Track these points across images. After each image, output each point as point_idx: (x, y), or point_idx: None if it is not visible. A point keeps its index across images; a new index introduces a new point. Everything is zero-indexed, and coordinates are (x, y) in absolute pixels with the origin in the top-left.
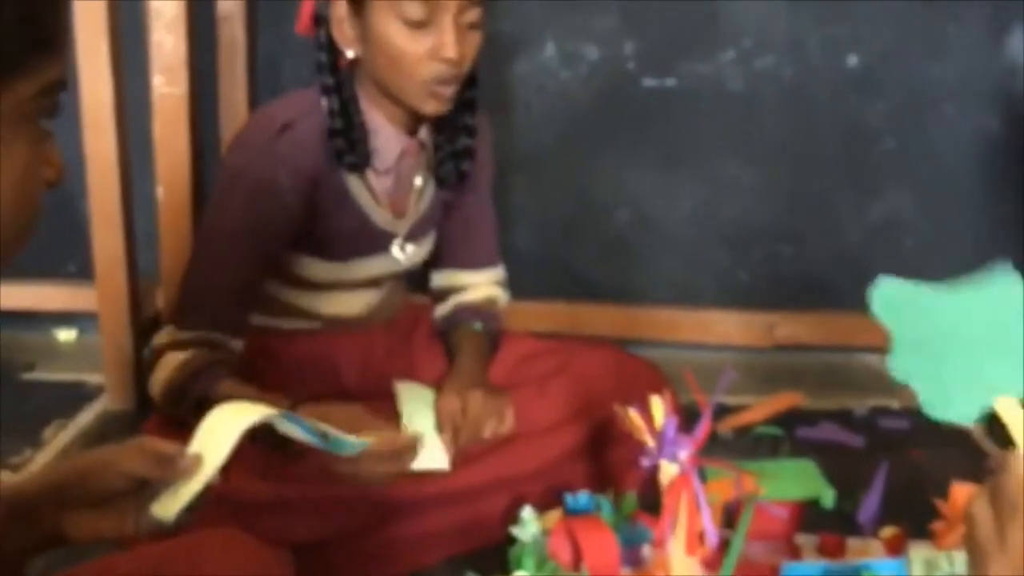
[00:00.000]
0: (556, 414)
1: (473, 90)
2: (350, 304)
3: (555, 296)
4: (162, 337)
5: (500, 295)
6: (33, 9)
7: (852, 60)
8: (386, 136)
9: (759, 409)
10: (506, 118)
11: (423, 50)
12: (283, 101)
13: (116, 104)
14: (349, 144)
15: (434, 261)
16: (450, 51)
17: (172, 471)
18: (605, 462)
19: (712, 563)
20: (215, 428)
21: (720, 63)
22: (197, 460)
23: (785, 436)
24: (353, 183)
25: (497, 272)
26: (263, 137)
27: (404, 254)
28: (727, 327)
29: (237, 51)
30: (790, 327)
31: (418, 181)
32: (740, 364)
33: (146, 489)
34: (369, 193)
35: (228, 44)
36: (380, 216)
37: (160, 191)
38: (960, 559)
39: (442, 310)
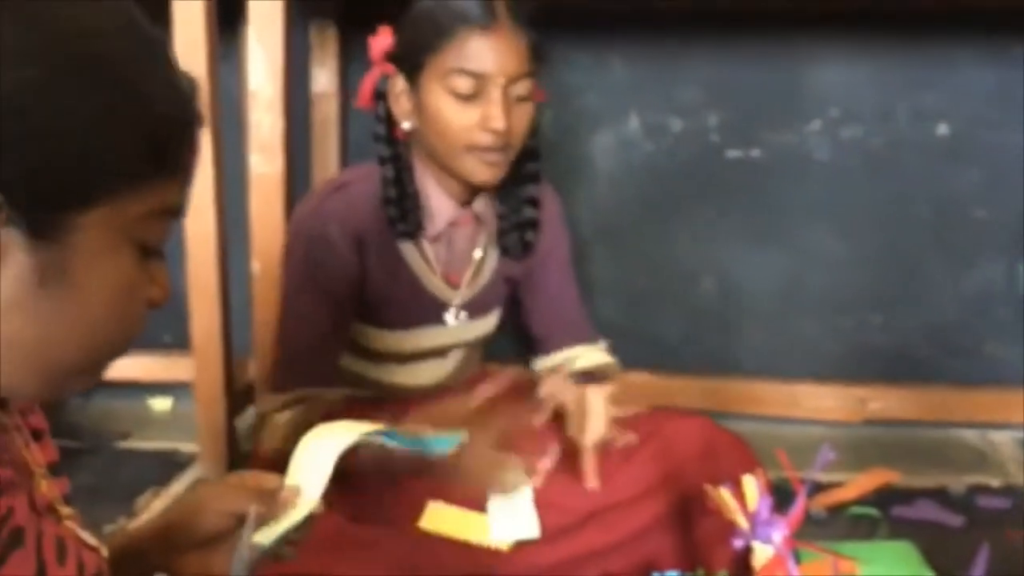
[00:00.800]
0: (642, 485)
1: (535, 163)
2: (417, 375)
3: (640, 367)
4: (263, 404)
5: (614, 362)
6: (159, 132)
7: (942, 129)
8: (438, 205)
9: (852, 487)
10: (591, 190)
11: (471, 122)
12: (349, 169)
13: (216, 183)
14: (401, 212)
15: (532, 349)
16: (497, 123)
17: (273, 505)
18: (694, 537)
19: None
20: (311, 454)
21: (806, 133)
22: (296, 492)
23: (883, 516)
24: (406, 249)
25: (601, 345)
26: (318, 196)
27: (458, 321)
28: (816, 400)
29: (330, 129)
30: (882, 401)
31: (477, 254)
32: (830, 439)
33: (249, 524)
34: (422, 259)
35: (321, 122)
36: (432, 283)
37: (255, 266)
38: None
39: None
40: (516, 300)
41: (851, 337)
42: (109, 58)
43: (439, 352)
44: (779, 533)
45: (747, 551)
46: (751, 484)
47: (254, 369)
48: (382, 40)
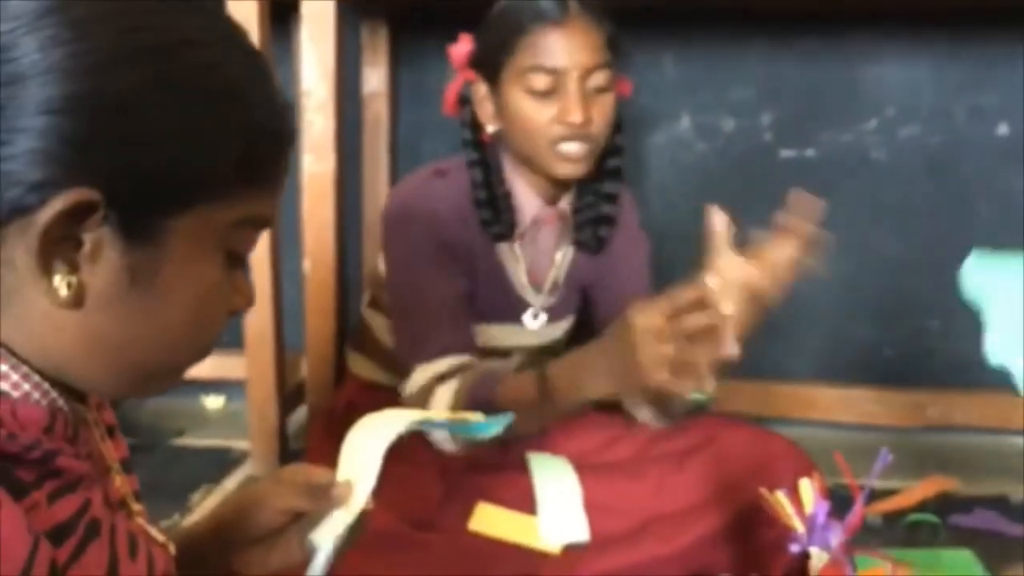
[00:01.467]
0: (697, 493)
1: (617, 159)
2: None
3: None
4: (416, 379)
5: None
6: (256, 144)
7: (1002, 129)
8: (526, 203)
9: (909, 494)
10: (642, 190)
11: (550, 117)
12: (441, 161)
13: None
14: (494, 214)
15: None
16: (574, 115)
17: (326, 501)
18: (749, 547)
19: None
20: (361, 446)
21: (862, 132)
22: (348, 487)
23: (942, 524)
24: (501, 251)
25: None
26: (419, 180)
27: (537, 323)
28: (871, 405)
29: (381, 129)
30: (940, 407)
31: (559, 256)
32: (886, 445)
33: (304, 519)
34: (512, 258)
35: (373, 122)
36: (520, 282)
37: (307, 265)
38: None
39: None
40: (589, 305)
41: (909, 342)
42: (211, 68)
43: (503, 353)
44: (836, 538)
45: (803, 557)
46: (807, 488)
47: (306, 368)
48: (461, 47)
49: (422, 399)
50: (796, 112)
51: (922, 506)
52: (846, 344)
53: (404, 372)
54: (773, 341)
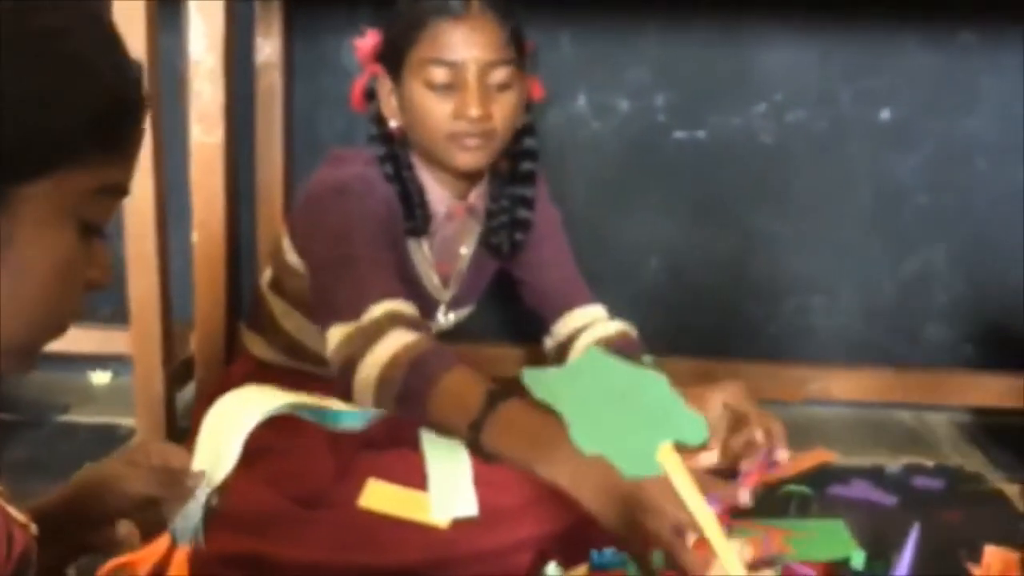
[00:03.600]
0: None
1: (530, 162)
2: None
3: None
4: (373, 315)
5: (623, 324)
6: (104, 109)
7: (885, 114)
8: (434, 197)
9: (790, 465)
10: (538, 168)
11: (448, 111)
12: (353, 153)
13: (155, 151)
14: (408, 209)
15: (543, 324)
16: (472, 110)
17: (178, 489)
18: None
19: None
20: (221, 429)
21: (751, 116)
22: (200, 477)
23: (814, 495)
24: (410, 245)
25: (600, 308)
26: (354, 165)
27: (447, 322)
28: (756, 381)
29: (275, 100)
30: (822, 382)
31: (464, 250)
32: None
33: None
34: (423, 257)
35: (266, 93)
36: (430, 280)
37: (195, 236)
38: None
39: (573, 356)
40: (511, 282)
41: (794, 319)
42: (57, 33)
43: None
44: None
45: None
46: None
47: (194, 342)
48: (367, 41)
49: (369, 339)
50: (689, 94)
51: (803, 477)
52: (734, 321)
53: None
54: (661, 320)
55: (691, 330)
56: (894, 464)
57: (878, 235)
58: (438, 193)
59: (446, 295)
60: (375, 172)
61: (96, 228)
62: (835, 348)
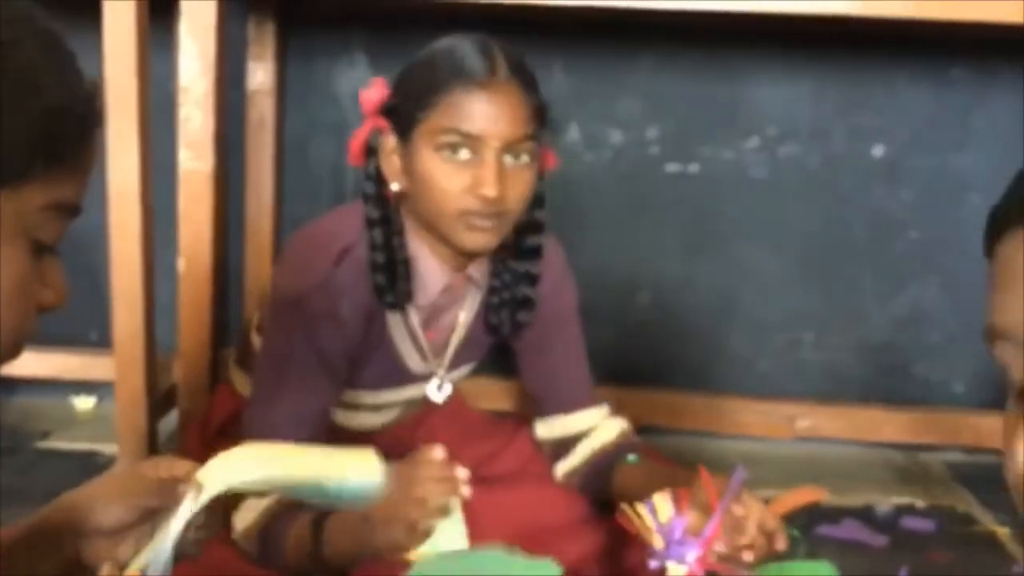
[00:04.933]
0: (575, 508)
1: (536, 236)
2: (374, 420)
3: None
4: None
5: (625, 423)
6: (51, 126)
7: (878, 150)
8: (429, 271)
9: (779, 504)
10: None
11: (463, 186)
12: (336, 219)
13: (142, 176)
14: (390, 280)
15: (539, 411)
16: (489, 189)
17: (174, 498)
18: (625, 563)
19: None
20: (228, 465)
21: (744, 150)
22: (199, 487)
23: (802, 536)
24: (392, 320)
25: (604, 410)
26: (322, 265)
27: (442, 395)
28: (745, 416)
29: (266, 128)
30: (812, 419)
31: (462, 317)
32: (760, 456)
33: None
34: (407, 332)
35: (257, 121)
36: (412, 358)
37: (181, 263)
38: None
39: (572, 462)
40: (511, 353)
41: (784, 355)
42: (2, 47)
43: (408, 404)
44: (693, 552)
45: (663, 572)
46: (663, 502)
47: (178, 370)
48: (374, 92)
49: (233, 501)
50: (681, 127)
51: (792, 516)
52: (723, 356)
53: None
54: (650, 353)
55: (681, 364)
56: (884, 504)
57: (870, 270)
58: (433, 265)
59: (438, 366)
60: (353, 258)
61: (47, 247)
62: (826, 384)
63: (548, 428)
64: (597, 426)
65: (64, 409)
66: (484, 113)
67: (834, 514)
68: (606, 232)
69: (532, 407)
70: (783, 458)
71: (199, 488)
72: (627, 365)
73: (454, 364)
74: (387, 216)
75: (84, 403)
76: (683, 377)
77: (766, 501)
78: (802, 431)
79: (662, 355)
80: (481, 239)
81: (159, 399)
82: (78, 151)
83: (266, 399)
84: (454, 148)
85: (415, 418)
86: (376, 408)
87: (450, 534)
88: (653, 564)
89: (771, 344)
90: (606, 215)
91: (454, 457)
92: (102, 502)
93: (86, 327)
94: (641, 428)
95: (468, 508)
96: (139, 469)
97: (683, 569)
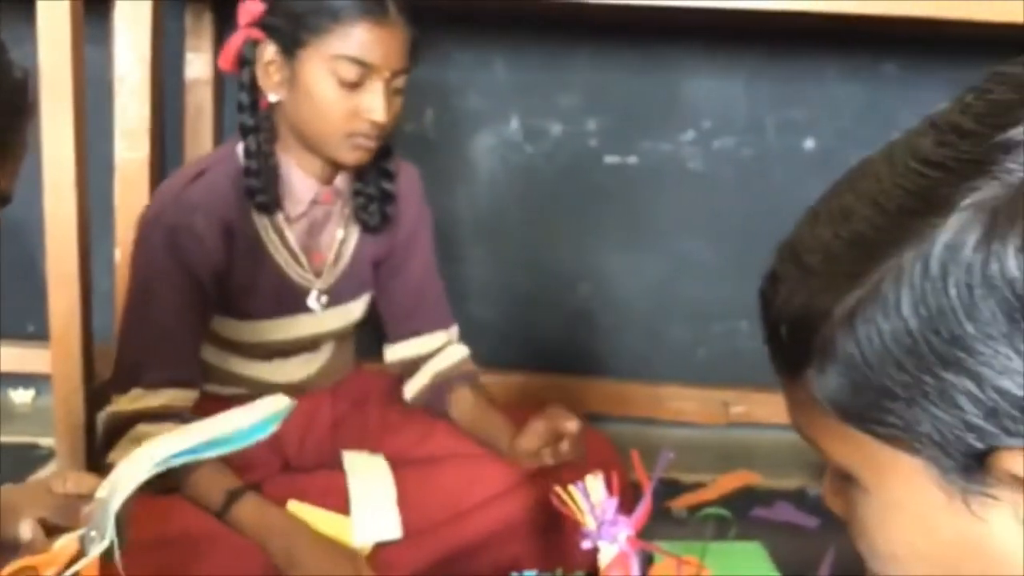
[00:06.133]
0: (507, 483)
1: (385, 142)
2: (286, 371)
3: (514, 368)
4: (125, 403)
5: (465, 350)
6: None
7: (809, 143)
8: (298, 182)
9: (714, 488)
10: (471, 190)
11: (351, 108)
12: (202, 157)
13: (77, 166)
14: (263, 185)
15: (386, 333)
16: (379, 115)
17: (75, 516)
18: (556, 540)
19: None
20: (126, 469)
21: (680, 142)
22: (100, 505)
23: (733, 517)
24: (266, 232)
25: (453, 331)
26: (177, 185)
27: (321, 307)
28: (682, 403)
29: (204, 117)
30: (746, 404)
31: (339, 233)
32: (697, 442)
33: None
34: (282, 243)
35: (195, 111)
36: (294, 270)
37: (118, 254)
38: None
39: (418, 383)
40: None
41: (721, 343)
42: None
43: (308, 345)
44: (624, 532)
45: (596, 551)
46: (595, 484)
47: None
48: (253, 6)
49: (119, 427)
50: (620, 120)
51: (725, 500)
52: (662, 344)
53: (120, 391)
54: (592, 340)
55: (620, 353)
56: (816, 487)
57: None
58: (302, 178)
59: (318, 282)
60: (209, 180)
61: None
62: (761, 371)
63: (398, 351)
64: (443, 348)
65: (1, 402)
66: (379, 45)
67: (768, 497)
68: (547, 223)
69: (386, 331)
70: (719, 444)
71: (103, 504)
72: (569, 354)
73: (338, 289)
74: (261, 125)
75: (22, 396)
76: (624, 366)
77: (702, 485)
78: (736, 417)
79: (603, 344)
80: (363, 156)
81: (97, 391)
82: (7, 140)
83: (137, 320)
84: (348, 74)
85: (347, 392)
86: (284, 351)
87: (383, 514)
88: (586, 544)
89: (709, 333)
90: (546, 206)
91: (384, 440)
92: (6, 515)
93: (23, 319)
94: (585, 415)
95: (402, 491)
96: (45, 483)
97: (615, 548)
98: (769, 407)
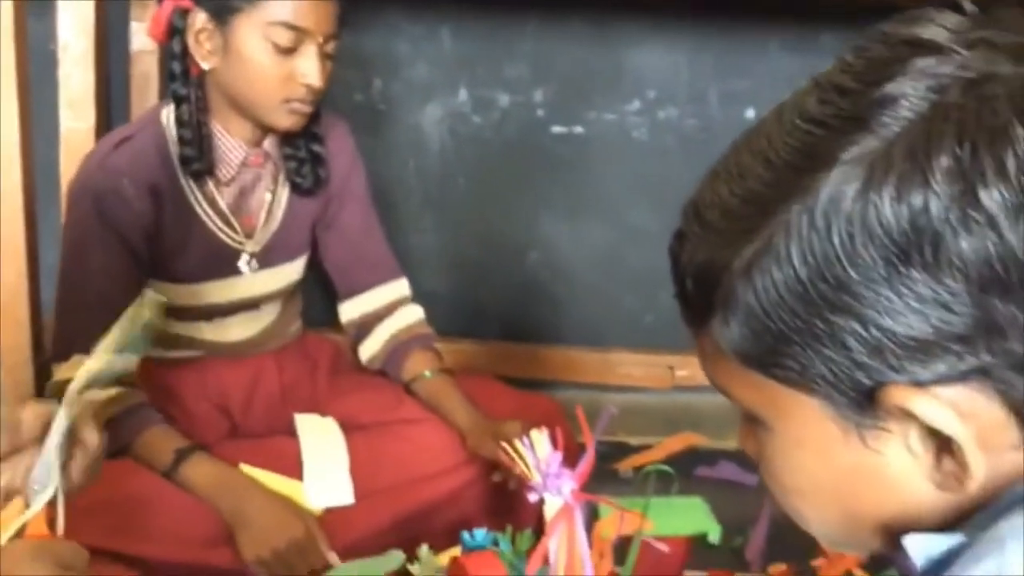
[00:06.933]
0: (459, 451)
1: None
2: (228, 330)
3: (466, 337)
4: (65, 371)
5: (420, 311)
6: None
7: (750, 113)
8: (227, 146)
9: (659, 449)
10: (420, 161)
11: (286, 73)
12: (127, 124)
13: (22, 138)
14: (198, 152)
15: (337, 291)
16: (315, 79)
17: (18, 442)
18: (505, 500)
19: None
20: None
21: (625, 113)
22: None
23: (675, 474)
24: (195, 197)
25: (403, 285)
26: (102, 152)
27: (251, 270)
28: (630, 369)
29: (150, 86)
30: (691, 368)
31: (268, 196)
32: (643, 405)
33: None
34: (212, 207)
35: (140, 79)
36: (225, 233)
37: (62, 229)
38: None
39: (372, 346)
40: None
41: (667, 310)
42: None
43: (248, 305)
44: (568, 485)
45: (542, 504)
46: (540, 438)
47: None
48: None
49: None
50: (566, 91)
51: (671, 460)
52: (610, 312)
53: (61, 359)
54: (543, 309)
55: (571, 321)
56: None
57: None
58: (231, 142)
59: (251, 245)
60: (135, 145)
61: None
62: None
63: (350, 310)
64: (395, 307)
65: None
66: (312, 10)
67: (711, 457)
68: (495, 193)
69: (336, 290)
70: (665, 407)
71: (42, 455)
72: (519, 323)
73: (269, 251)
74: (193, 94)
75: None
76: (573, 333)
77: (649, 447)
78: (681, 380)
79: (552, 312)
80: (298, 120)
81: (45, 363)
82: None
83: (72, 287)
84: (282, 40)
85: (294, 358)
86: (222, 312)
87: (336, 479)
88: (532, 497)
89: (655, 300)
90: (495, 176)
91: (334, 405)
92: None
93: None
94: (534, 383)
95: (354, 456)
96: None
97: (559, 501)
98: None
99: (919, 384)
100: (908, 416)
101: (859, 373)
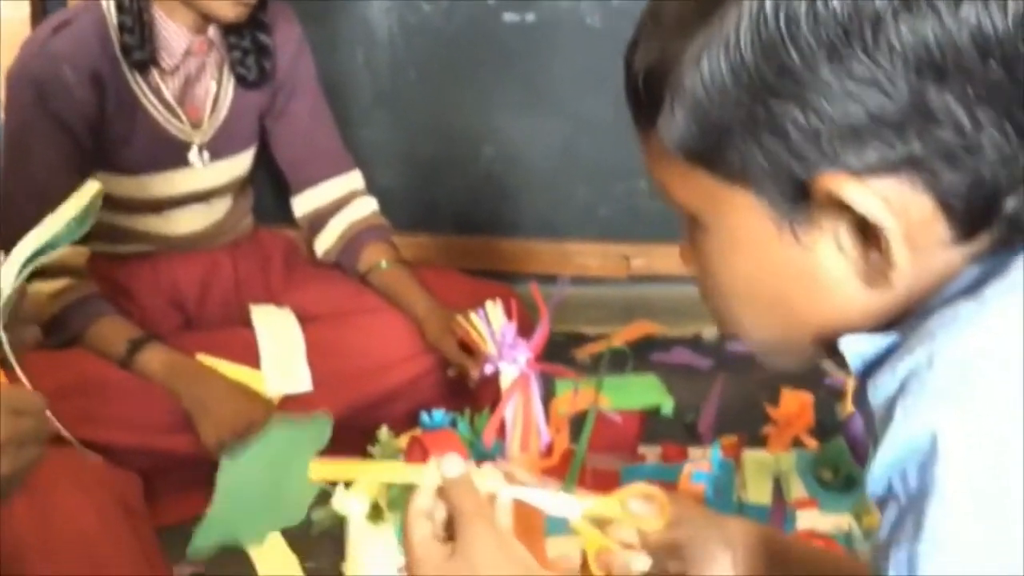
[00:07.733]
0: (412, 339)
1: None
2: (178, 223)
3: (420, 231)
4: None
5: (374, 203)
6: None
7: None
8: (170, 33)
9: (616, 337)
10: (368, 53)
11: None
12: (66, 9)
13: None
14: (139, 40)
15: (289, 185)
16: None
17: None
18: (463, 386)
19: (558, 472)
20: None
21: None
22: None
23: (630, 353)
24: (139, 86)
25: (357, 177)
26: (40, 38)
27: (203, 162)
28: (586, 259)
29: None
30: (646, 257)
31: (213, 86)
32: (600, 296)
33: None
34: (157, 97)
35: None
36: (170, 122)
37: (3, 117)
38: (786, 460)
39: (327, 239)
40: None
41: (622, 201)
42: None
43: (197, 198)
44: (523, 355)
45: (497, 376)
46: (494, 310)
47: None
48: None
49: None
50: None
51: (627, 347)
52: (565, 203)
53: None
54: (499, 201)
55: (525, 213)
56: (710, 332)
57: None
58: (174, 29)
59: (198, 136)
60: (74, 31)
61: None
62: (660, 228)
63: (303, 203)
64: (349, 200)
65: None
66: None
67: (666, 343)
68: (447, 85)
69: (289, 183)
70: (621, 297)
71: None
72: (475, 216)
73: (218, 142)
74: None
75: None
76: (528, 225)
77: (605, 336)
78: (637, 269)
79: (507, 206)
80: (244, 12)
81: None
82: None
83: (16, 178)
84: None
85: (248, 252)
86: (172, 204)
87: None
88: (488, 368)
89: (609, 191)
90: (446, 67)
91: (289, 297)
92: None
93: None
94: (491, 273)
95: (312, 344)
96: None
97: (515, 370)
98: (668, 260)
99: (852, 172)
100: (839, 207)
101: (795, 164)
